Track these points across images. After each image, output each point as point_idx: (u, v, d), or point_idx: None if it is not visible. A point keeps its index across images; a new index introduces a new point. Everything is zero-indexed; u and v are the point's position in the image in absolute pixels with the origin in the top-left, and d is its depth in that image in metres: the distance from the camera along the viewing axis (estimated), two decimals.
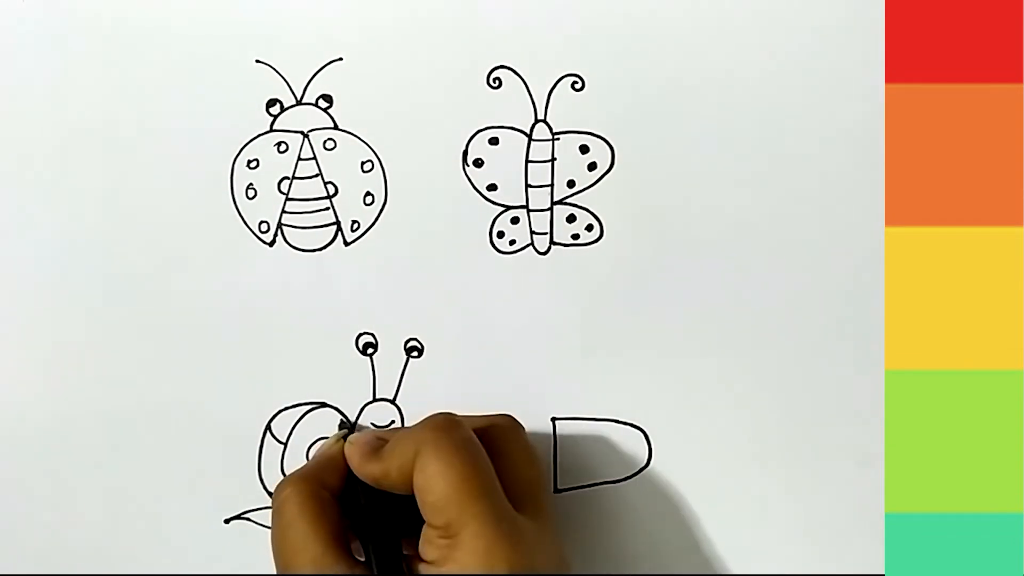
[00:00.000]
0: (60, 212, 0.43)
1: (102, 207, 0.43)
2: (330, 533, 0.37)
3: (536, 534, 0.36)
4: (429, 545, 0.36)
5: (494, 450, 0.38)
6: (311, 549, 0.37)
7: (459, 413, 0.38)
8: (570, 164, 0.43)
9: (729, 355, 0.43)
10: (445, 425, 0.37)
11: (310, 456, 0.43)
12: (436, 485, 0.35)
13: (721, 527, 0.44)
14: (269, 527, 0.43)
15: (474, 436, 0.38)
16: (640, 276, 0.43)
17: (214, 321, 0.43)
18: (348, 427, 0.43)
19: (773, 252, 0.43)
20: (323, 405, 0.43)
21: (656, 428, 0.43)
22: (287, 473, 0.43)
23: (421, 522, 0.37)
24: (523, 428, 0.41)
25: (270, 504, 0.43)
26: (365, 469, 0.39)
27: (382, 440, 0.39)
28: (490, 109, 0.42)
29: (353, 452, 0.39)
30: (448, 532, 0.35)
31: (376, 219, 0.43)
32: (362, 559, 0.38)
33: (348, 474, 0.40)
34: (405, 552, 0.39)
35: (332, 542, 0.37)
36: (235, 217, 0.43)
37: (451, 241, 0.43)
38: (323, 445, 0.43)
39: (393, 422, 0.43)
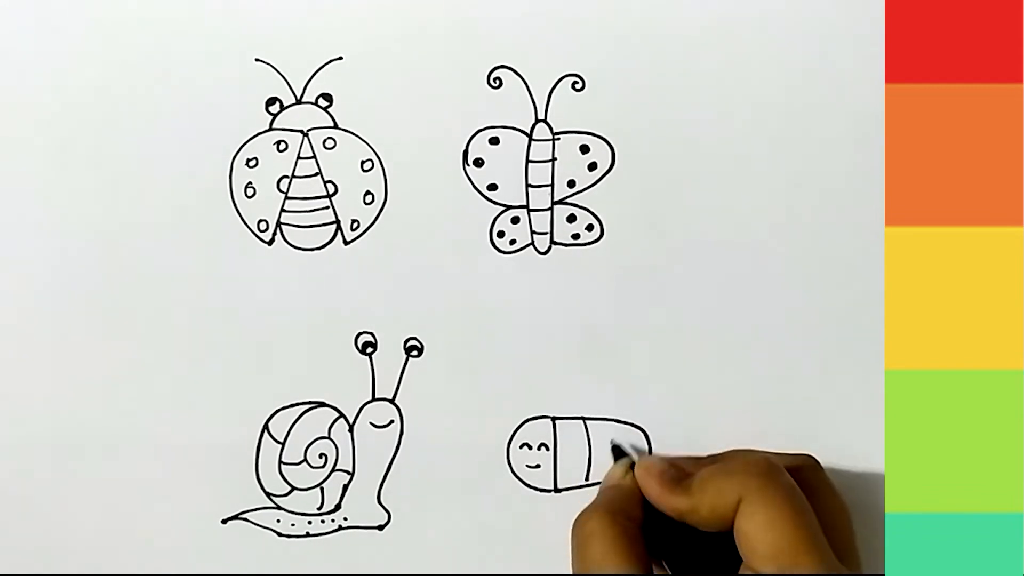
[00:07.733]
0: (57, 211, 0.43)
1: (100, 206, 0.43)
2: (643, 568, 0.36)
3: None
4: None
5: (808, 496, 0.36)
6: None
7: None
8: (570, 164, 0.43)
9: (729, 355, 0.43)
10: (769, 471, 0.36)
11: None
12: (767, 535, 0.35)
13: None
14: (269, 527, 0.43)
15: (795, 483, 0.37)
16: (640, 276, 0.43)
17: (212, 320, 0.43)
18: (623, 451, 0.42)
19: (773, 252, 0.43)
20: (321, 404, 0.43)
21: (656, 428, 0.43)
22: (285, 473, 0.43)
23: (725, 556, 0.36)
24: (823, 469, 0.41)
25: (269, 504, 0.43)
26: (669, 501, 0.37)
27: (679, 469, 0.38)
28: (490, 109, 0.42)
29: (650, 480, 0.38)
30: None
31: (376, 218, 0.43)
32: None
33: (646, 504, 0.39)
34: None
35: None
36: (234, 216, 0.43)
37: (451, 241, 0.43)
38: (610, 475, 0.41)
39: (392, 421, 0.43)
